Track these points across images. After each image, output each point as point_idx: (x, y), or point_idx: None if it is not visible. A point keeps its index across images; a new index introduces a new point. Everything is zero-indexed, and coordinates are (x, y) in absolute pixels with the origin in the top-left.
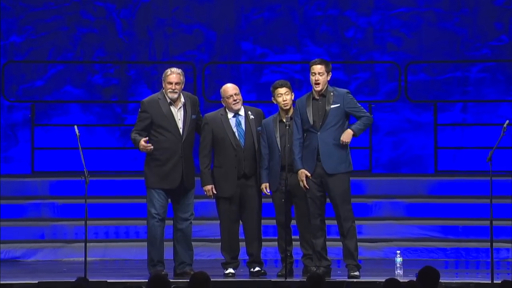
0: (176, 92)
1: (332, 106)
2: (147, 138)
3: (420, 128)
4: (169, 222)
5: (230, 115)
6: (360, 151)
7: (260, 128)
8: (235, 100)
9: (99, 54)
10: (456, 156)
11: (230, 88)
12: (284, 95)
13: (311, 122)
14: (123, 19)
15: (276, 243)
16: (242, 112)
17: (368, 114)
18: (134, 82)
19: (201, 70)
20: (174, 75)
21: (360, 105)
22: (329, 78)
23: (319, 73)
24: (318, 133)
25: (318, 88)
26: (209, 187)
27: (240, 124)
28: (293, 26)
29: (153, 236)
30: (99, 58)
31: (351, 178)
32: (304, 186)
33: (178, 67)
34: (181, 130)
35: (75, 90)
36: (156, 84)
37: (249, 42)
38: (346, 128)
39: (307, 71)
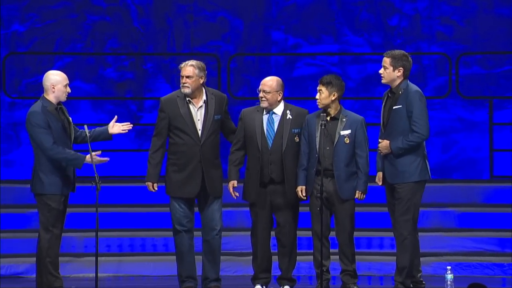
0: (187, 87)
1: (394, 107)
2: (156, 185)
3: (474, 128)
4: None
5: (265, 112)
6: None
7: (296, 130)
8: (260, 97)
9: (112, 45)
10: None
11: (262, 82)
12: (318, 92)
13: (381, 121)
14: (138, 6)
15: (309, 257)
16: (278, 111)
17: (421, 132)
18: (151, 76)
19: (226, 63)
20: (185, 67)
21: (422, 115)
22: (398, 73)
23: (383, 66)
24: (384, 135)
25: (382, 81)
26: (230, 183)
27: (272, 123)
28: (329, 13)
29: (179, 249)
30: (112, 49)
31: None
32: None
33: (201, 59)
34: (199, 132)
35: (85, 85)
36: (176, 78)
37: (280, 31)
38: None
39: (345, 64)
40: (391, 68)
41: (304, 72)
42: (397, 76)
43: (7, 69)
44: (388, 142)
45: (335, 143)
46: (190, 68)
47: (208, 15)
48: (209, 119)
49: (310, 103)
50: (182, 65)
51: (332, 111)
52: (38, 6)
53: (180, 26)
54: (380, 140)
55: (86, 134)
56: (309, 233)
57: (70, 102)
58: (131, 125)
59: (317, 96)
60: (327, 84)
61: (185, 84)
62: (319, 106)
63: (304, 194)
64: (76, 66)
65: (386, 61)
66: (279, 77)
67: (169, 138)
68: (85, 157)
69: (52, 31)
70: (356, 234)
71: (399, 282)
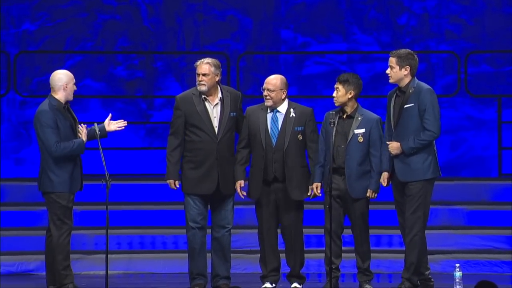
0: (203, 85)
1: (405, 106)
2: (178, 182)
3: (482, 126)
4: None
5: (269, 110)
6: None
7: (299, 128)
8: (265, 96)
9: (122, 43)
10: None
11: (266, 80)
12: (335, 90)
13: (391, 121)
14: (148, 5)
15: (319, 254)
16: (282, 109)
17: (433, 130)
18: (161, 74)
19: (236, 61)
20: (201, 65)
21: (434, 113)
22: (405, 72)
23: (390, 66)
24: (394, 134)
25: (390, 81)
26: (237, 183)
27: (276, 121)
28: (338, 12)
29: (191, 246)
30: (122, 48)
31: None
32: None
33: (210, 58)
34: (216, 129)
35: (95, 83)
36: (185, 77)
37: (289, 30)
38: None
39: (354, 63)
40: (398, 67)
41: (313, 70)
42: (404, 75)
43: (18, 67)
44: (398, 143)
45: (348, 141)
46: (206, 66)
47: (217, 14)
48: (225, 116)
49: (319, 101)
50: (198, 63)
51: (349, 109)
52: (49, 5)
53: (189, 25)
54: (388, 142)
55: (96, 132)
56: (318, 231)
57: (80, 100)
58: (126, 122)
59: (334, 94)
60: (344, 82)
61: (201, 82)
62: (336, 104)
63: (319, 191)
64: (86, 65)
65: (392, 60)
66: (288, 75)
67: (185, 135)
68: (82, 139)
69: (62, 30)
70: None
71: (405, 279)
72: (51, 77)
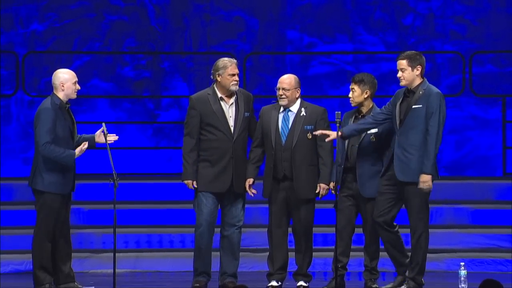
0: (238, 84)
1: (414, 106)
2: (195, 182)
3: (487, 126)
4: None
5: (281, 110)
6: None
7: (309, 127)
8: (280, 95)
9: (129, 43)
10: None
11: (280, 80)
12: (350, 91)
13: (397, 120)
14: (156, 5)
15: (325, 253)
16: (295, 108)
17: (433, 134)
18: (168, 74)
19: (242, 61)
20: (234, 65)
21: (439, 119)
22: (417, 72)
23: (401, 69)
24: (398, 132)
25: (402, 83)
26: (246, 181)
27: (287, 120)
28: (344, 12)
29: (198, 244)
30: (130, 48)
31: None
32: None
33: (217, 58)
34: (232, 129)
35: (103, 83)
36: (192, 77)
37: (295, 30)
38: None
39: (359, 63)
40: (410, 68)
41: (319, 70)
42: (417, 75)
43: (26, 68)
44: (428, 176)
45: (360, 141)
46: (237, 66)
47: (224, 14)
48: (240, 116)
49: (325, 101)
50: (229, 63)
51: (364, 109)
52: (57, 6)
53: (196, 25)
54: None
55: (105, 132)
56: (324, 230)
57: (88, 100)
58: (117, 136)
59: (350, 95)
60: (359, 82)
61: (238, 82)
62: (352, 105)
63: (333, 189)
64: (94, 65)
65: (403, 63)
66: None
67: (201, 135)
68: (75, 152)
69: (70, 30)
70: None
71: (410, 278)
72: (52, 76)
